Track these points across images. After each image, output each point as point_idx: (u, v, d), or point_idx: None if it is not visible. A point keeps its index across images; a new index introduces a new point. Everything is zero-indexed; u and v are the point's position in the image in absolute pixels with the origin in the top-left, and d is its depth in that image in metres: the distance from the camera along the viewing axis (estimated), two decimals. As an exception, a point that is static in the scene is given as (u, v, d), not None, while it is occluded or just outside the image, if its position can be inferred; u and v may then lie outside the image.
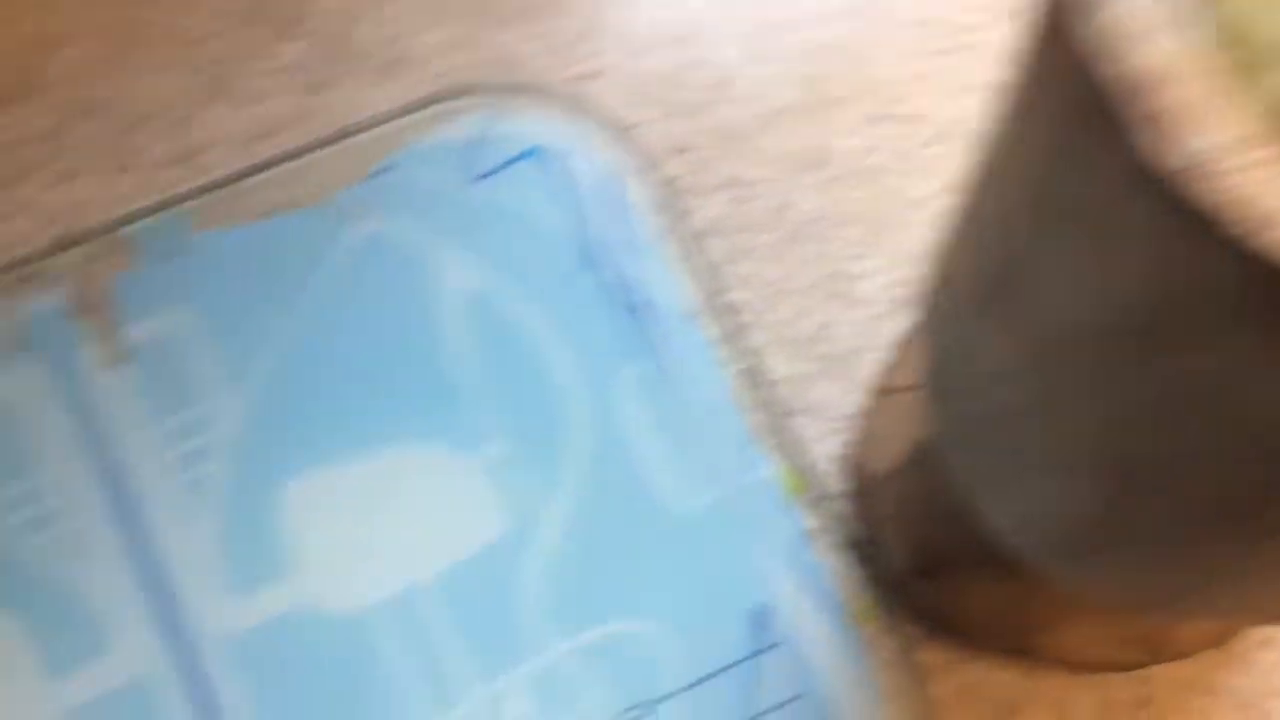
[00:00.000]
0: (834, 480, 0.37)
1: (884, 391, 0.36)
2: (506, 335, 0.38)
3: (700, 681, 0.36)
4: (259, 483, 0.37)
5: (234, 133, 0.39)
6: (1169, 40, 0.16)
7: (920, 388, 0.31)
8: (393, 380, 0.37)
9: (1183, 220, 0.16)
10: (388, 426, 0.37)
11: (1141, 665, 0.35)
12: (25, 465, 0.36)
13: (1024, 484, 0.24)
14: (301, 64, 0.40)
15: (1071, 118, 0.17)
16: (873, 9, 0.40)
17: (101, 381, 0.37)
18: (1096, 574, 0.25)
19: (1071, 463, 0.22)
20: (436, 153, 0.39)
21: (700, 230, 0.39)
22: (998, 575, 0.31)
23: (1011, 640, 0.34)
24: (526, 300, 0.38)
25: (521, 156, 0.39)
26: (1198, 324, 0.17)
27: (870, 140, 0.40)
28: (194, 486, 0.36)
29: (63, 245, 0.38)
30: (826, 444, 0.37)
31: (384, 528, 0.37)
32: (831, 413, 0.38)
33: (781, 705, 0.35)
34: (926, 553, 0.34)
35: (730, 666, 0.36)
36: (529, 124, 0.39)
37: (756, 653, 0.36)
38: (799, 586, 0.36)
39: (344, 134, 0.39)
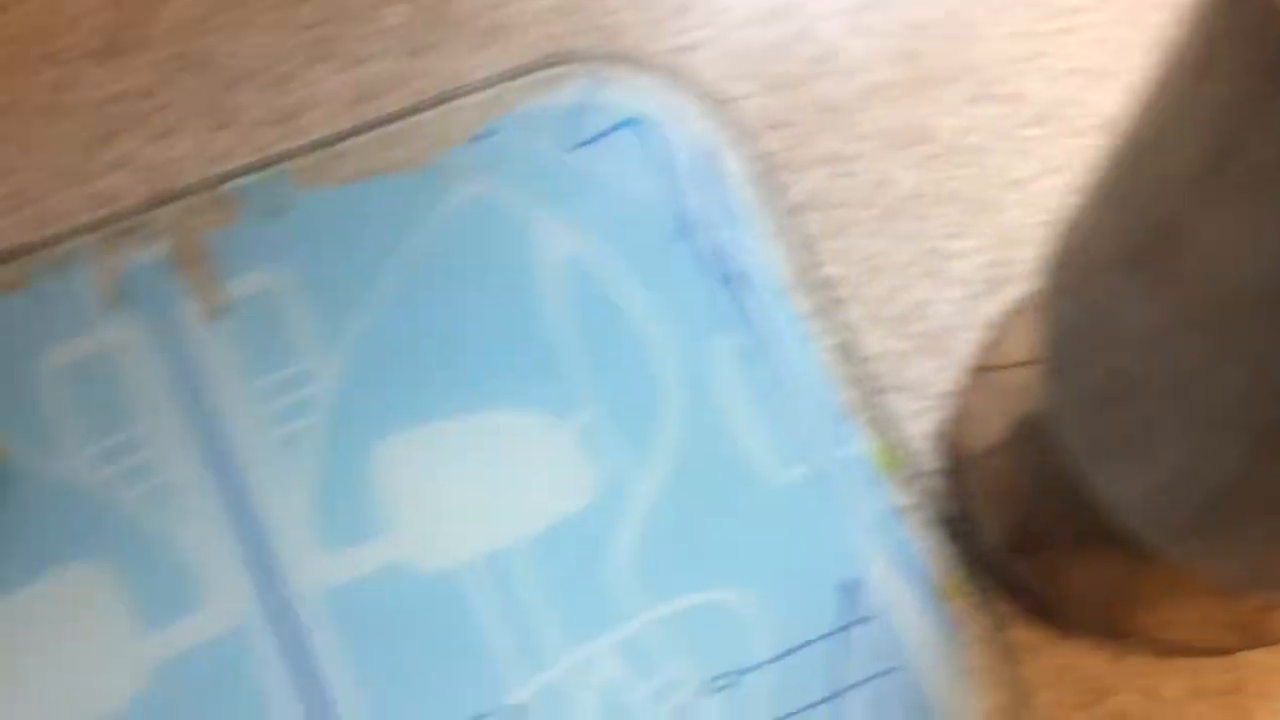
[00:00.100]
0: (927, 457, 0.37)
1: (982, 369, 0.36)
2: (602, 303, 0.38)
3: (788, 653, 0.36)
4: (353, 441, 0.37)
5: (335, 94, 0.39)
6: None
7: (1033, 363, 0.30)
8: (487, 344, 0.37)
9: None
10: (481, 389, 0.37)
11: (1234, 650, 0.35)
12: (124, 417, 0.36)
13: (1156, 454, 0.24)
14: (404, 28, 0.40)
15: (1259, 76, 0.17)
16: (973, -11, 0.40)
17: (199, 336, 0.37)
18: (1218, 549, 0.25)
19: (1214, 429, 0.22)
20: (536, 120, 0.39)
21: (797, 204, 0.39)
22: (1102, 553, 0.31)
23: (1108, 620, 0.34)
24: (622, 269, 0.38)
25: (620, 126, 0.39)
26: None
27: (970, 119, 0.39)
28: (289, 442, 0.36)
29: (163, 200, 0.38)
30: (920, 421, 0.37)
31: (476, 490, 0.37)
32: (926, 390, 0.37)
33: (869, 680, 0.35)
34: (1025, 530, 0.34)
35: (818, 639, 0.36)
36: (628, 94, 0.39)
37: (845, 626, 0.36)
38: (890, 562, 0.36)
39: (445, 98, 0.39)
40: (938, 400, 0.37)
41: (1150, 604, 0.32)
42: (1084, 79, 0.40)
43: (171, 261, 0.37)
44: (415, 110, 0.39)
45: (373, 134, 0.38)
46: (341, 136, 0.38)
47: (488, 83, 0.39)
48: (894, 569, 0.36)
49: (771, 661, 0.36)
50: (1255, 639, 0.34)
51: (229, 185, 0.38)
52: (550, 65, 0.39)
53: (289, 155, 0.38)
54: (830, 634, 0.36)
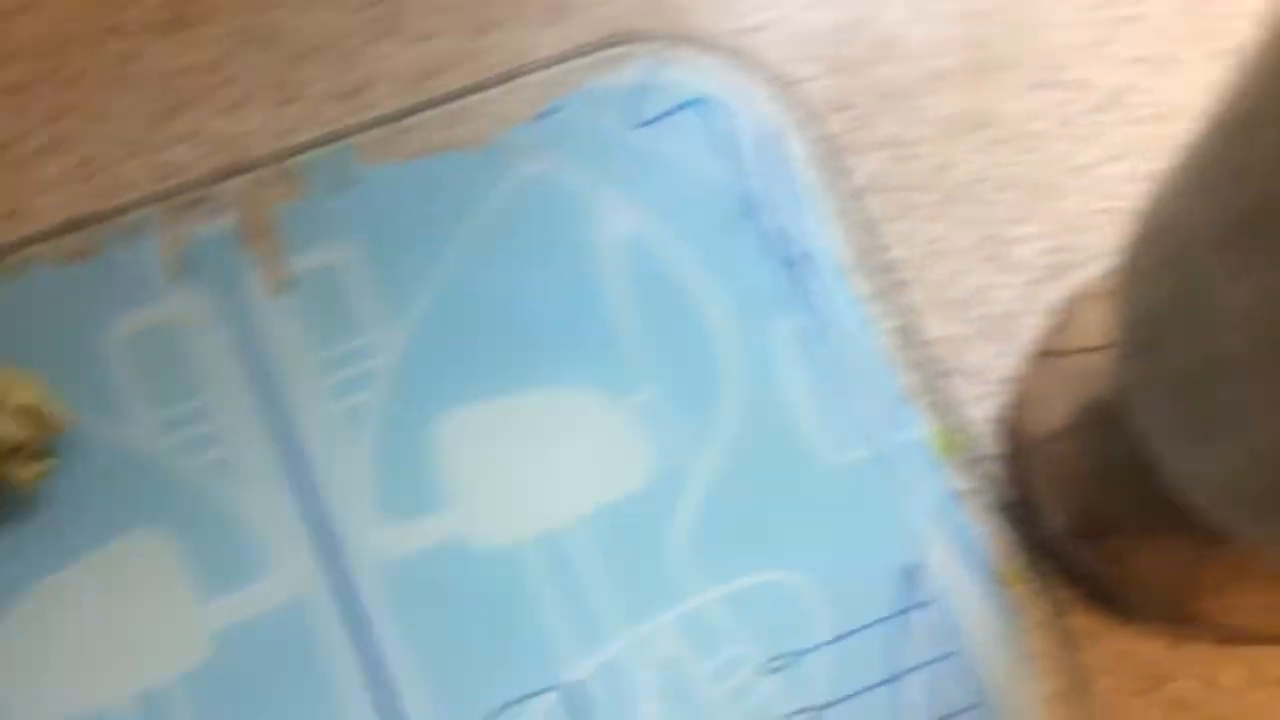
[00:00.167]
0: (987, 442, 0.37)
1: (1045, 354, 0.36)
2: (664, 282, 0.38)
3: (847, 635, 0.36)
4: (414, 415, 0.37)
5: (400, 70, 0.39)
6: None
7: (1103, 348, 0.30)
8: (549, 321, 0.38)
9: None
10: (542, 367, 0.37)
11: (1296, 640, 0.35)
12: (188, 387, 0.37)
13: (1242, 435, 0.24)
14: (468, 5, 0.40)
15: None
16: (1038, -25, 0.40)
17: (264, 307, 0.37)
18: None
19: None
20: (601, 98, 0.39)
21: (859, 187, 0.39)
22: (1170, 538, 0.31)
23: (1172, 605, 0.34)
24: (685, 248, 0.38)
25: (684, 106, 0.39)
26: None
27: (1033, 105, 0.39)
28: (351, 415, 0.37)
29: (229, 173, 0.38)
30: (981, 406, 0.37)
31: (535, 466, 0.37)
32: (986, 375, 0.37)
33: (928, 663, 0.35)
34: (1090, 516, 0.33)
35: (878, 623, 0.36)
36: (692, 74, 0.39)
37: (905, 610, 0.36)
38: (949, 546, 0.36)
39: (510, 76, 0.39)
40: (998, 385, 0.37)
41: (1216, 589, 0.32)
42: (1147, 67, 0.40)
43: (237, 234, 0.38)
44: (479, 88, 0.39)
45: (438, 110, 0.39)
46: (406, 113, 0.38)
47: (551, 61, 0.39)
48: (953, 554, 0.36)
49: (830, 643, 0.36)
50: (1317, 628, 0.34)
51: (296, 159, 0.38)
52: (614, 44, 0.39)
53: (355, 130, 0.38)
54: (889, 617, 0.36)
